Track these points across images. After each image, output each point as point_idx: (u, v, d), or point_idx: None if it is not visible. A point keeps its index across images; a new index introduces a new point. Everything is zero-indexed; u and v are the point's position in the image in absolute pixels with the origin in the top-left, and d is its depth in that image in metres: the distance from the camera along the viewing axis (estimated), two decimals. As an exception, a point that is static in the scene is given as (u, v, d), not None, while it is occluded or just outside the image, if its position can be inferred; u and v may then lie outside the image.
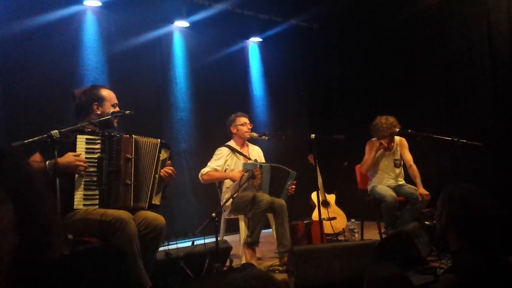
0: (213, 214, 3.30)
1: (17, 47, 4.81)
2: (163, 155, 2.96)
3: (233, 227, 4.54)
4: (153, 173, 2.87)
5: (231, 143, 4.49)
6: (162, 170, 2.93)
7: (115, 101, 2.96)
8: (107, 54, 5.55)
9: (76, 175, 2.60)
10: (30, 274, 0.96)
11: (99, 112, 2.87)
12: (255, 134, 4.49)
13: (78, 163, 2.57)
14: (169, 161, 3.02)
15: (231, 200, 3.93)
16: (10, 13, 4.79)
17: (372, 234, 4.96)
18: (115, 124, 2.93)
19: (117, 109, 2.93)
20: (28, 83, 4.81)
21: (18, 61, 4.80)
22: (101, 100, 2.89)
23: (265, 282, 0.95)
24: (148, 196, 2.86)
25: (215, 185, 4.48)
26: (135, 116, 5.32)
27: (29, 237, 0.98)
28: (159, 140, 2.95)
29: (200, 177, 4.30)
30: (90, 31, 5.43)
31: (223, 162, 4.32)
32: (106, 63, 5.56)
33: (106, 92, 2.93)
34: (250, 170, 3.93)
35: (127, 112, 2.87)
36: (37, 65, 4.89)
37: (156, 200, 2.91)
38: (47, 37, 5.00)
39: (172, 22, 6.19)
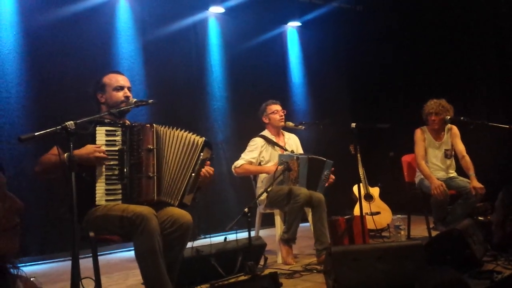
0: (246, 209, 3.10)
1: (51, 36, 4.77)
2: (205, 154, 2.73)
3: (269, 221, 4.31)
4: (190, 170, 2.65)
5: (266, 133, 4.22)
6: (202, 170, 2.72)
7: (118, 83, 2.72)
8: (141, 42, 5.46)
9: (97, 169, 2.45)
10: None
11: (103, 100, 2.71)
12: (291, 124, 4.21)
13: (98, 154, 2.42)
14: (208, 162, 2.78)
15: (265, 194, 3.69)
16: (43, 2, 4.75)
17: (420, 230, 4.62)
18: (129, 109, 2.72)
19: (125, 91, 2.73)
20: (62, 72, 4.78)
21: (52, 51, 4.77)
22: (102, 87, 2.72)
23: None
24: (181, 193, 2.64)
25: (250, 177, 4.26)
26: (170, 106, 5.32)
27: None
28: (203, 138, 2.71)
29: (233, 170, 4.06)
30: (124, 18, 5.34)
31: (258, 154, 4.06)
32: (141, 51, 5.46)
33: (106, 78, 2.74)
34: (286, 162, 3.68)
35: (150, 101, 2.67)
36: (71, 54, 4.85)
37: (187, 200, 2.69)
38: (80, 25, 4.95)
39: (207, 8, 6.02)
